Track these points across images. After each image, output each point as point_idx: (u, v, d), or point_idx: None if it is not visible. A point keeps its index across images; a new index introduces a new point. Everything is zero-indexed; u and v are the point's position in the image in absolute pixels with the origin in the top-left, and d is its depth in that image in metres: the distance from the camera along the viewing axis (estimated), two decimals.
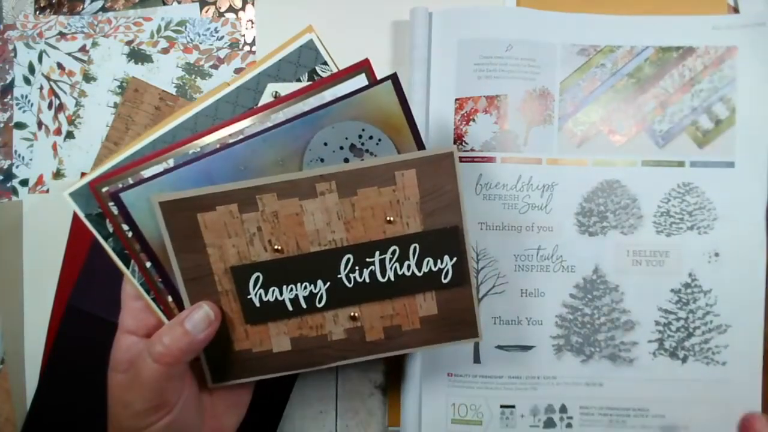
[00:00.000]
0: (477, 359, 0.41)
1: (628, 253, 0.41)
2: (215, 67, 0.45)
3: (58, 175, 0.45)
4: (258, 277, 0.34)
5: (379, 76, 0.32)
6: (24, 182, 0.45)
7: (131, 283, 0.35)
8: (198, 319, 0.32)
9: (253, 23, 0.46)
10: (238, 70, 0.45)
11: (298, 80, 0.35)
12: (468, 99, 0.40)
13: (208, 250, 0.33)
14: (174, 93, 0.45)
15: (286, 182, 0.32)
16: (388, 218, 0.33)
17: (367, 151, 0.34)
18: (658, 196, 0.41)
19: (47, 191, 0.45)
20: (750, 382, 0.40)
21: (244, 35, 0.46)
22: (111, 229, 0.35)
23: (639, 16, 0.41)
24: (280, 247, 0.33)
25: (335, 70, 0.36)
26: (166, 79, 0.45)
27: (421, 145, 0.35)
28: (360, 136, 0.34)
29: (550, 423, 0.41)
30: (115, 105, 0.45)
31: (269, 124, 0.33)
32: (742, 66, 0.40)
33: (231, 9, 0.46)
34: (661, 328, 0.40)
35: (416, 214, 0.33)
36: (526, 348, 0.41)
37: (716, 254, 0.40)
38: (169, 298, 0.35)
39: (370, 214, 0.33)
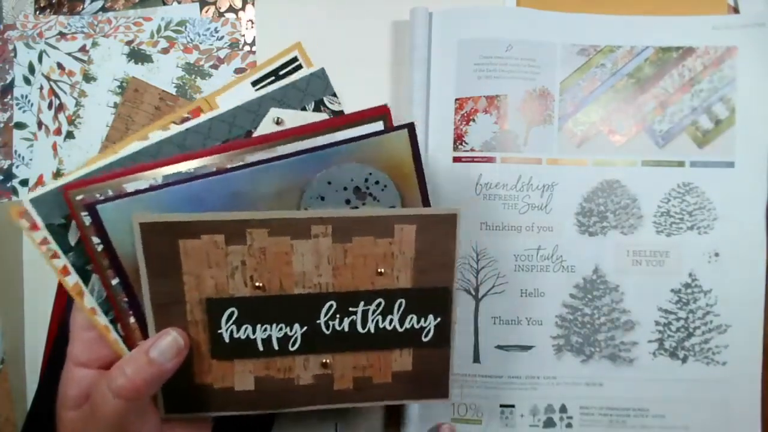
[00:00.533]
0: (477, 359, 0.41)
1: (628, 253, 0.41)
2: (215, 67, 0.45)
3: (58, 175, 0.45)
4: (233, 312, 0.32)
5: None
6: (24, 182, 0.45)
7: (81, 313, 0.32)
8: (165, 346, 0.30)
9: (253, 23, 0.46)
10: (238, 70, 0.45)
11: (304, 108, 0.34)
12: (468, 99, 0.40)
13: (185, 278, 0.31)
14: (174, 93, 0.45)
15: (281, 219, 0.31)
16: (379, 270, 0.33)
17: (370, 195, 0.33)
18: (658, 196, 0.41)
19: None
20: (750, 382, 0.40)
21: (244, 35, 0.46)
22: (73, 243, 0.32)
23: (639, 16, 0.41)
24: (261, 285, 0.32)
25: (341, 104, 0.35)
26: (166, 79, 0.45)
27: (426, 199, 0.34)
28: (366, 180, 0.32)
29: (549, 423, 0.41)
30: (115, 105, 0.45)
31: (274, 154, 0.32)
32: (742, 66, 0.40)
33: (231, 9, 0.46)
34: (661, 328, 0.40)
35: (408, 269, 0.33)
36: (526, 348, 0.41)
37: (716, 254, 0.40)
38: (131, 320, 0.33)
39: (362, 262, 0.32)
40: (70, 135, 0.45)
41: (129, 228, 0.31)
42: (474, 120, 0.40)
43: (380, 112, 0.32)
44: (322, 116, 0.34)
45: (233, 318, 0.32)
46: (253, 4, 0.45)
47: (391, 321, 0.33)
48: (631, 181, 0.41)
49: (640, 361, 0.40)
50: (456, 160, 0.41)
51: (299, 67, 0.34)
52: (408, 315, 0.33)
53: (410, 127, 0.32)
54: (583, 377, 0.41)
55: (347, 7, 0.45)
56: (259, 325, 0.32)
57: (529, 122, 0.40)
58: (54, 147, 0.45)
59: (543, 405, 0.41)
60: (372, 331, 0.33)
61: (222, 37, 0.46)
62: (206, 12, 0.46)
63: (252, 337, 0.32)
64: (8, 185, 0.45)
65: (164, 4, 0.46)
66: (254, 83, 0.34)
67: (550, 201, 0.41)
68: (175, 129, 0.33)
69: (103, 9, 0.46)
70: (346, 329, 0.33)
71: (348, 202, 0.33)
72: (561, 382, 0.41)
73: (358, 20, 0.45)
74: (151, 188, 0.31)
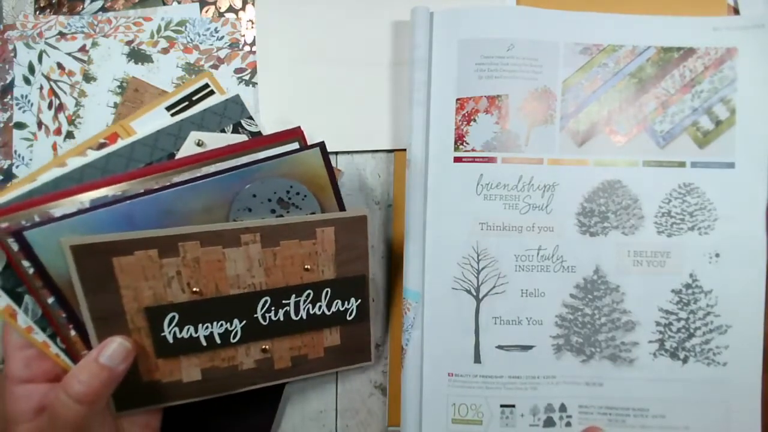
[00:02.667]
0: (478, 359, 0.41)
1: (629, 253, 0.41)
2: (215, 67, 0.45)
3: None
4: (174, 317, 0.34)
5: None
6: None
7: (14, 333, 0.33)
8: (113, 351, 0.32)
9: (253, 23, 0.45)
10: (238, 70, 0.45)
11: (223, 131, 0.37)
12: (469, 99, 0.40)
13: (122, 292, 0.33)
14: None
15: (211, 232, 0.34)
16: (306, 266, 0.37)
17: (293, 204, 0.37)
18: (659, 197, 0.41)
19: None
20: (750, 382, 0.40)
21: (244, 35, 0.46)
22: (0, 268, 0.33)
23: (641, 16, 0.41)
24: (198, 290, 0.35)
25: (258, 126, 0.39)
26: (166, 79, 0.45)
27: (341, 204, 0.39)
28: (287, 192, 0.36)
29: (549, 422, 0.41)
30: (115, 105, 0.45)
31: (200, 173, 0.34)
32: (742, 67, 0.41)
33: (231, 9, 0.46)
34: (662, 328, 0.40)
35: (331, 263, 0.38)
36: (527, 348, 0.41)
37: (717, 255, 0.40)
38: (72, 332, 0.34)
39: (290, 262, 0.37)
40: (70, 135, 0.45)
41: (60, 250, 0.31)
42: (475, 120, 0.40)
43: (295, 134, 0.37)
44: (242, 137, 0.37)
45: (174, 321, 0.35)
46: (253, 4, 0.45)
47: (320, 307, 0.38)
48: (632, 181, 0.41)
49: (641, 362, 0.40)
50: (457, 160, 0.40)
51: (211, 92, 0.36)
52: (334, 300, 0.38)
53: (322, 146, 0.37)
54: (583, 377, 0.41)
55: (347, 7, 0.45)
56: (200, 325, 0.35)
57: (531, 122, 0.40)
58: (54, 147, 0.45)
59: (543, 404, 0.41)
60: (304, 317, 0.38)
61: (222, 37, 0.46)
62: (206, 12, 0.46)
63: (195, 335, 0.35)
64: (8, 185, 0.45)
65: (164, 4, 0.46)
66: (168, 108, 0.36)
67: (551, 201, 0.41)
68: (94, 155, 0.34)
69: (103, 9, 0.46)
70: (282, 319, 0.37)
71: (273, 211, 0.37)
72: (560, 382, 0.41)
73: (358, 20, 0.45)
74: (80, 212, 0.32)
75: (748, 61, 0.41)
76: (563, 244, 0.41)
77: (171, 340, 0.35)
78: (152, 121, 0.36)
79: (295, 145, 0.37)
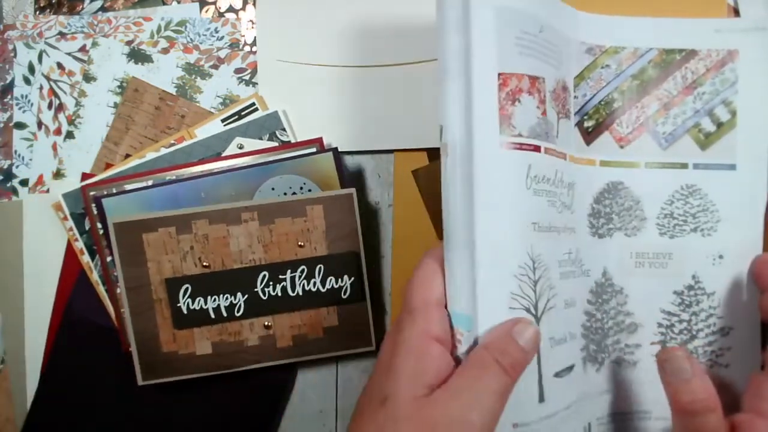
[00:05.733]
0: (542, 397, 0.33)
1: (631, 255, 0.40)
2: (215, 67, 0.45)
3: (58, 175, 0.45)
4: (187, 288, 0.39)
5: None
6: (24, 182, 0.45)
7: (437, 288, 0.31)
8: (529, 336, 0.30)
9: (253, 23, 0.45)
10: (238, 70, 0.45)
11: (260, 138, 0.44)
12: (512, 75, 0.33)
13: (149, 264, 0.39)
14: (174, 93, 0.45)
15: (217, 211, 0.39)
16: (299, 243, 0.40)
17: None
18: (662, 198, 0.40)
19: (47, 191, 0.45)
20: None
21: (244, 35, 0.46)
22: (87, 227, 0.43)
23: (642, 18, 0.41)
24: (208, 264, 0.40)
25: (290, 135, 0.45)
26: (166, 79, 0.45)
27: None
28: (301, 188, 0.42)
29: None
30: (115, 105, 0.45)
31: (233, 166, 0.42)
32: (744, 69, 0.40)
33: (231, 9, 0.46)
34: (664, 330, 0.40)
35: (323, 240, 0.41)
36: (570, 369, 0.35)
37: (720, 256, 0.39)
38: (118, 290, 0.41)
39: (285, 239, 0.40)
40: (70, 135, 0.45)
41: (122, 217, 0.40)
42: (519, 101, 0.34)
43: (316, 142, 0.43)
44: (273, 144, 0.44)
45: (188, 293, 0.39)
46: (253, 4, 0.45)
47: (314, 284, 0.41)
48: (634, 182, 0.40)
49: (643, 364, 0.39)
50: (505, 146, 0.34)
51: (256, 109, 0.45)
52: (327, 277, 0.41)
53: (335, 151, 0.42)
54: (598, 387, 0.38)
55: (347, 6, 0.45)
56: (209, 297, 0.40)
57: (557, 113, 0.36)
58: (54, 147, 0.45)
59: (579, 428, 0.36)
60: (300, 293, 0.40)
61: (222, 37, 0.46)
62: (206, 12, 0.46)
63: (205, 307, 0.40)
64: (8, 185, 0.45)
65: (164, 4, 0.46)
66: (223, 120, 0.45)
67: (573, 200, 0.37)
68: (164, 151, 0.44)
69: (103, 9, 0.46)
70: (279, 294, 0.40)
71: None
72: (586, 398, 0.37)
73: (359, 20, 0.44)
74: (142, 188, 0.41)
75: (749, 63, 0.40)
76: (582, 247, 0.38)
77: (185, 311, 0.39)
78: (210, 128, 0.45)
79: (313, 149, 0.43)
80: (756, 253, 0.40)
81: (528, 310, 0.33)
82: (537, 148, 0.34)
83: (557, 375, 0.34)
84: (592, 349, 0.39)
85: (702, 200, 0.40)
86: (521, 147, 0.34)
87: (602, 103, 0.40)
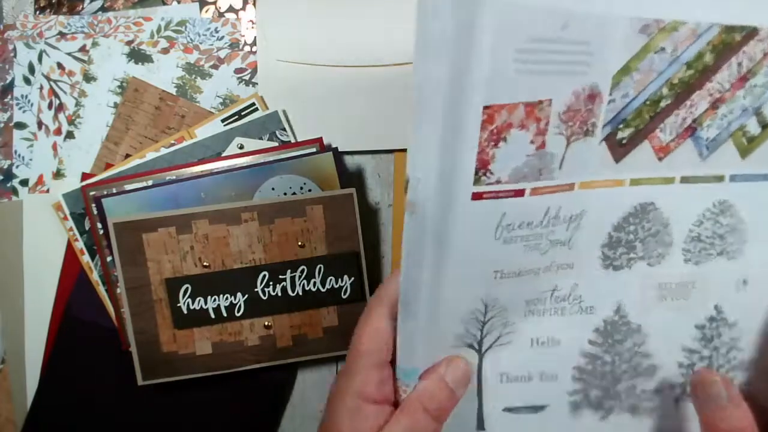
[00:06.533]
0: (481, 425, 0.34)
1: (654, 286, 0.34)
2: (215, 67, 0.45)
3: (58, 175, 0.45)
4: (187, 288, 0.39)
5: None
6: (24, 182, 0.45)
7: (372, 349, 0.31)
8: (457, 374, 0.31)
9: (253, 23, 0.45)
10: (238, 70, 0.45)
11: (260, 138, 0.44)
12: (501, 108, 0.28)
13: (149, 264, 0.39)
14: (174, 93, 0.45)
15: (217, 211, 0.39)
16: (299, 243, 0.40)
17: None
18: (691, 219, 0.34)
19: (47, 191, 0.45)
20: None
21: (244, 35, 0.46)
22: (87, 227, 0.43)
23: None
24: (208, 264, 0.40)
25: (290, 135, 0.44)
26: (166, 79, 0.45)
27: None
28: (301, 188, 0.42)
29: None
30: (115, 105, 0.45)
31: (233, 166, 0.42)
32: None
33: (231, 9, 0.46)
34: (684, 370, 0.35)
35: (322, 240, 0.40)
36: (538, 408, 0.35)
37: (744, 282, 0.35)
38: (118, 290, 0.41)
39: (285, 239, 0.40)
40: (70, 135, 0.45)
41: (122, 217, 0.40)
42: (505, 139, 0.28)
43: (316, 142, 0.43)
44: (273, 144, 0.44)
45: (188, 293, 0.39)
46: (253, 4, 0.45)
47: (314, 284, 0.40)
48: (666, 202, 0.34)
49: (663, 410, 0.35)
50: (476, 196, 0.29)
51: (256, 109, 0.44)
52: (327, 277, 0.40)
53: (335, 151, 0.42)
54: None
55: (347, 6, 0.45)
56: (209, 297, 0.39)
57: (570, 136, 0.31)
58: (54, 147, 0.45)
59: None
60: (300, 293, 0.40)
61: (222, 37, 0.46)
62: (206, 12, 0.46)
63: (205, 307, 0.39)
64: (8, 185, 0.45)
65: (164, 4, 0.46)
66: (223, 120, 0.44)
67: (576, 233, 0.33)
68: (164, 151, 0.44)
69: (103, 9, 0.46)
70: (279, 294, 0.40)
71: None
72: None
73: (359, 20, 0.45)
74: (142, 188, 0.41)
75: None
76: (583, 282, 0.34)
77: (185, 311, 0.39)
78: (210, 128, 0.44)
79: (314, 149, 0.42)
80: None
81: (471, 346, 0.33)
82: (520, 192, 0.30)
83: (509, 410, 0.34)
84: (595, 395, 0.35)
85: (733, 219, 0.34)
86: (497, 195, 0.29)
87: (648, 103, 0.32)
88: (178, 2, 0.46)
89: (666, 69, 0.32)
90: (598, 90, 0.30)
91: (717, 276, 0.34)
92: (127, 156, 0.45)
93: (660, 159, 0.33)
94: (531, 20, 0.27)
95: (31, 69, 0.46)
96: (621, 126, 0.32)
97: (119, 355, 0.42)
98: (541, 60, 0.28)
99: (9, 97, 0.46)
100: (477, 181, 0.29)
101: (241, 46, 0.45)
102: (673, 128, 0.33)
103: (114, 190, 0.41)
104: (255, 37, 0.45)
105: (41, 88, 0.46)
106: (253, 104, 0.44)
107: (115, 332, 0.43)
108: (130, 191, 0.41)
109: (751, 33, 0.32)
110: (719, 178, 0.34)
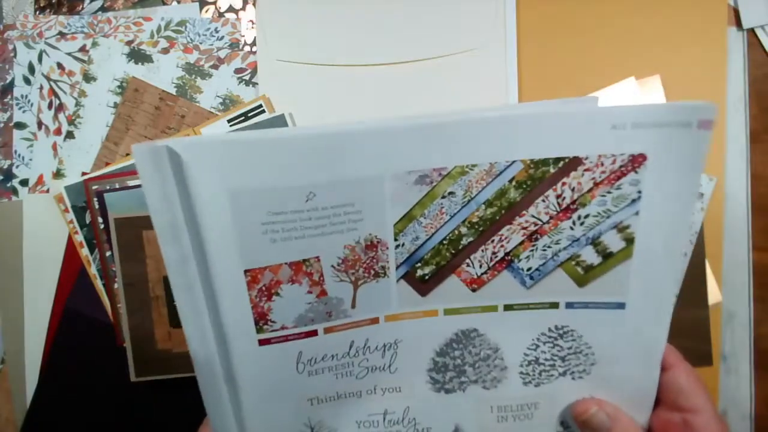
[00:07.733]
0: None
1: (492, 409, 0.34)
2: (215, 67, 0.45)
3: (58, 175, 0.45)
4: None
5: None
6: (24, 182, 0.45)
7: None
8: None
9: (253, 23, 0.45)
10: (238, 70, 0.45)
11: None
12: (264, 269, 0.30)
13: (147, 261, 0.40)
14: (174, 93, 0.45)
15: None
16: None
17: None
18: (524, 343, 0.34)
19: (47, 191, 0.45)
20: None
21: (244, 35, 0.46)
22: (88, 221, 0.44)
23: (505, 117, 0.29)
24: None
25: None
26: (166, 79, 0.45)
27: None
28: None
29: None
30: (115, 105, 0.45)
31: None
32: (650, 181, 0.29)
33: (231, 9, 0.46)
34: None
35: None
36: None
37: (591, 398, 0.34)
38: (115, 285, 0.42)
39: None
40: (70, 135, 0.45)
41: (123, 212, 0.41)
42: (278, 294, 0.31)
43: None
44: None
45: None
46: (253, 4, 0.45)
47: None
48: (491, 329, 0.33)
49: None
50: (263, 342, 0.31)
51: (263, 111, 0.44)
52: None
53: None
54: None
55: (347, 5, 0.45)
56: None
57: (356, 281, 0.32)
58: (54, 147, 0.45)
59: None
60: None
61: (222, 37, 0.46)
62: (206, 12, 0.46)
63: None
64: (8, 185, 0.45)
65: (164, 4, 0.46)
66: (229, 120, 0.45)
67: (395, 360, 0.34)
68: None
69: (103, 9, 0.46)
70: None
71: None
72: None
73: (359, 20, 0.45)
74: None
75: (660, 172, 0.29)
76: (415, 405, 0.34)
77: None
78: (216, 128, 0.45)
79: None
80: (649, 402, 0.33)
81: None
82: (311, 333, 0.32)
83: None
84: None
85: (574, 342, 0.33)
86: (286, 338, 0.32)
87: (445, 242, 0.32)
88: (178, 2, 0.46)
89: (460, 210, 0.31)
90: (378, 239, 0.31)
91: (562, 394, 0.34)
92: (127, 156, 0.45)
93: (474, 290, 0.33)
94: (263, 199, 0.29)
95: (31, 69, 0.46)
96: (419, 264, 0.32)
97: (117, 350, 0.42)
98: (290, 228, 0.30)
99: (9, 97, 0.46)
100: (260, 330, 0.31)
101: (241, 46, 0.45)
102: (483, 262, 0.33)
103: (116, 185, 0.42)
104: (255, 37, 0.45)
105: (41, 88, 0.46)
106: (260, 106, 0.44)
107: (111, 327, 0.43)
108: (133, 187, 0.42)
109: (571, 162, 0.30)
110: (553, 305, 0.33)
